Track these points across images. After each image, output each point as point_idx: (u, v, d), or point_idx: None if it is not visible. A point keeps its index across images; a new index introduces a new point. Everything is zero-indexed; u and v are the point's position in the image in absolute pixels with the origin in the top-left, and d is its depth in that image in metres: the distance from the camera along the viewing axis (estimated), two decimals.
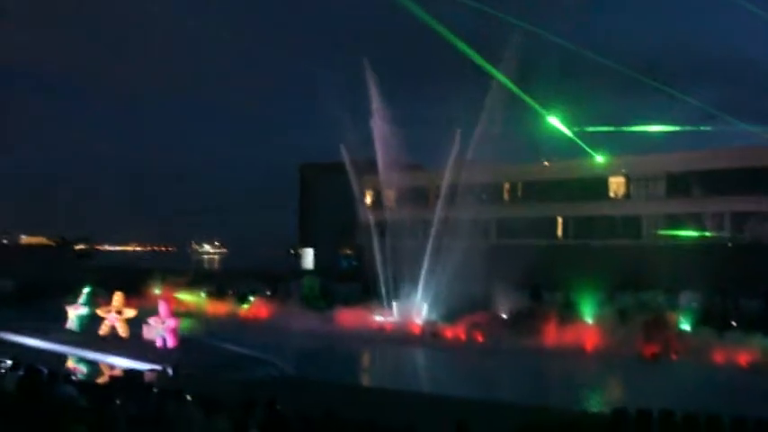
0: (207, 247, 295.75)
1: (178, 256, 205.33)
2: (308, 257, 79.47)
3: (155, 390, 20.11)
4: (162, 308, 42.62)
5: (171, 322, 42.22)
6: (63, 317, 47.18)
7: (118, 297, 45.57)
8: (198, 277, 76.29)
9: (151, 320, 42.93)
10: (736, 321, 44.82)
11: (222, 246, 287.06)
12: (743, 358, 39.13)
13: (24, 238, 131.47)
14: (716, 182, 51.35)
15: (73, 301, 47.62)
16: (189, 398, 15.82)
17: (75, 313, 47.01)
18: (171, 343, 41.46)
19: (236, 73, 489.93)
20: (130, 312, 45.12)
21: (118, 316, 44.83)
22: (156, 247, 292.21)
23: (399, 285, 58.20)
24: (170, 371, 32.99)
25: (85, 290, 47.80)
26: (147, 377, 30.38)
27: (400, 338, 50.15)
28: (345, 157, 64.42)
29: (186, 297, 60.27)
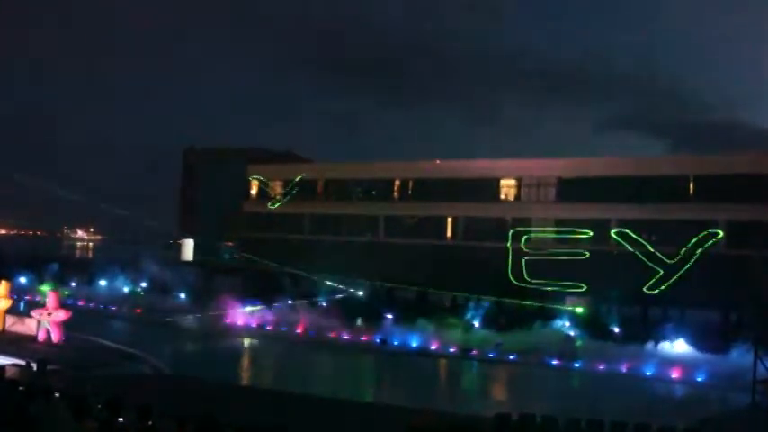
0: (81, 234, 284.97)
1: (49, 241, 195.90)
2: (189, 248, 76.60)
3: (20, 388, 18.25)
4: (50, 299, 39.41)
5: (60, 314, 38.91)
6: None
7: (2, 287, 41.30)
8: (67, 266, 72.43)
9: (35, 312, 39.79)
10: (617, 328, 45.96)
11: (98, 233, 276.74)
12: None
13: None
14: (603, 189, 51.97)
15: None
16: (57, 395, 14.53)
17: None
18: (55, 337, 38.22)
19: (120, 51, 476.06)
20: (4, 303, 41.24)
21: None
22: (23, 232, 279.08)
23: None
24: (34, 366, 30.63)
25: None
26: (9, 373, 28.02)
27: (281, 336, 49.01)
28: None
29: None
